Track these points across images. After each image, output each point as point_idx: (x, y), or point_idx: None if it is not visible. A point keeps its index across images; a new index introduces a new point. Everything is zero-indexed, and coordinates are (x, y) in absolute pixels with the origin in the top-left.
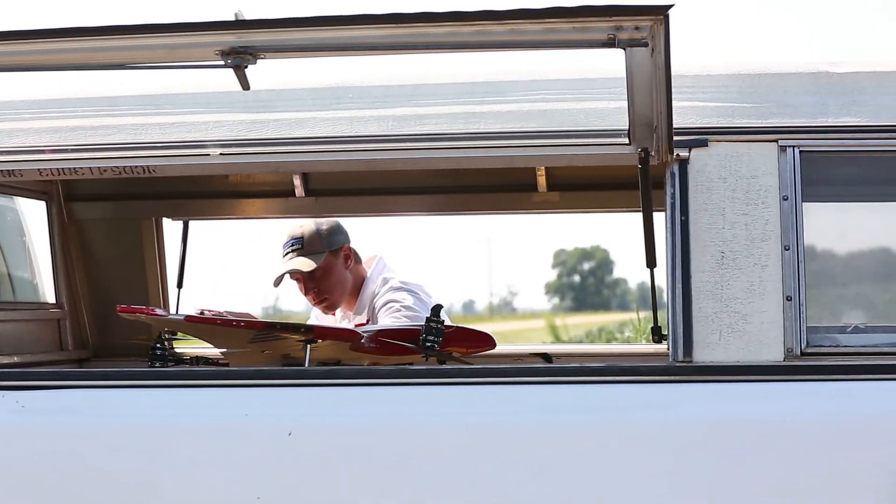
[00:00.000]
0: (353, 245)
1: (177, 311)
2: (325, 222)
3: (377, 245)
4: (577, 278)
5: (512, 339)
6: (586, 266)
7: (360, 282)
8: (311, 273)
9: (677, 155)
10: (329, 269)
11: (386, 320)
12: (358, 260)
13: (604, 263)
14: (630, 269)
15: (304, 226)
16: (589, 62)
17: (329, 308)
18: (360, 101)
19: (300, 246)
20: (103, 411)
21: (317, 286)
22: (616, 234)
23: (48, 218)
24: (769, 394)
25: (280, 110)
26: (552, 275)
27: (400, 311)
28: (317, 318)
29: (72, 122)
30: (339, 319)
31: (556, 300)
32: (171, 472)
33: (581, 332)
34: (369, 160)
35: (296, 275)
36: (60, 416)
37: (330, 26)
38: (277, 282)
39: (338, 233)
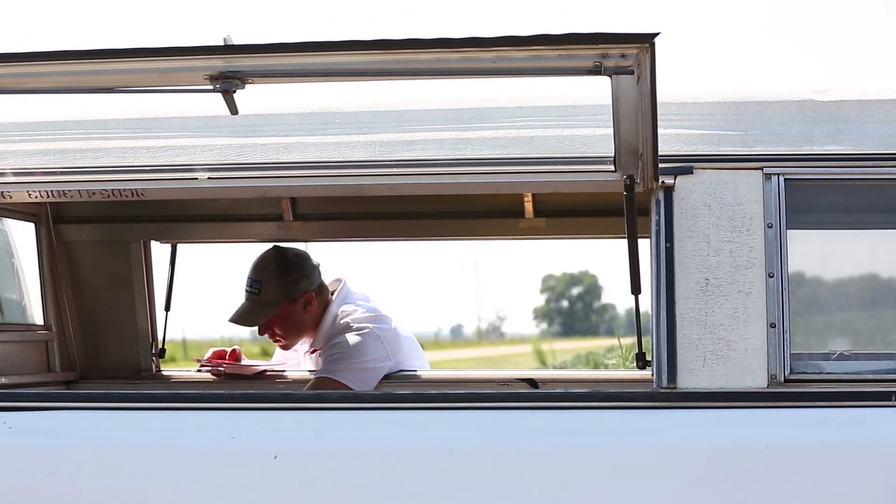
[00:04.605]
0: (320, 282)
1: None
2: (291, 264)
3: (365, 269)
4: (565, 303)
5: (500, 364)
6: (574, 291)
7: (323, 312)
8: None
9: (662, 182)
10: (285, 317)
11: (322, 365)
12: (322, 296)
13: (592, 289)
14: (618, 294)
15: (267, 266)
16: (575, 89)
17: (285, 347)
18: (347, 127)
19: (256, 291)
20: (90, 433)
21: (271, 329)
22: (604, 259)
23: (37, 240)
24: (752, 420)
25: (268, 135)
26: (540, 300)
27: (335, 359)
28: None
29: (61, 144)
30: (306, 351)
31: (544, 325)
32: (157, 494)
33: (569, 357)
34: (357, 185)
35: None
36: (48, 438)
37: (318, 52)
38: (231, 322)
39: (301, 279)
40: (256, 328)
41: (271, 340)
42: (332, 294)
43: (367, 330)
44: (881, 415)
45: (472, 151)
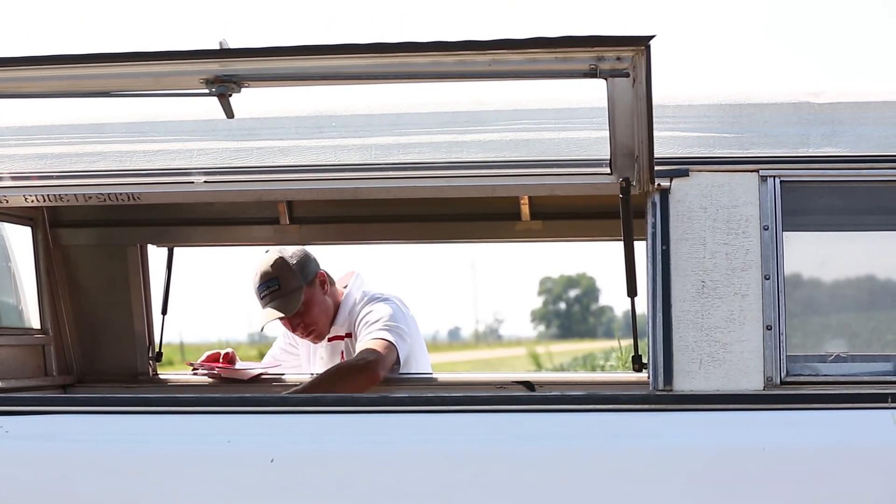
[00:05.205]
0: (324, 269)
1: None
2: (292, 254)
3: (363, 272)
4: (562, 306)
5: (497, 366)
6: (572, 294)
7: (338, 301)
8: (295, 313)
9: (658, 184)
10: (310, 302)
11: (363, 333)
12: (332, 281)
13: (589, 291)
14: (616, 296)
15: (274, 263)
16: (571, 92)
17: (318, 338)
18: (343, 130)
19: (277, 286)
20: (87, 437)
21: (302, 321)
22: (602, 261)
23: (33, 244)
24: (749, 422)
25: (264, 139)
26: (538, 302)
27: (376, 322)
28: (284, 335)
29: (57, 148)
30: (325, 338)
31: (541, 328)
32: (154, 498)
33: (566, 359)
34: (353, 188)
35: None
36: (45, 442)
37: (313, 55)
38: (263, 327)
39: (308, 262)
40: (289, 325)
41: (304, 336)
42: (346, 286)
43: (396, 303)
44: (877, 417)
45: (468, 154)
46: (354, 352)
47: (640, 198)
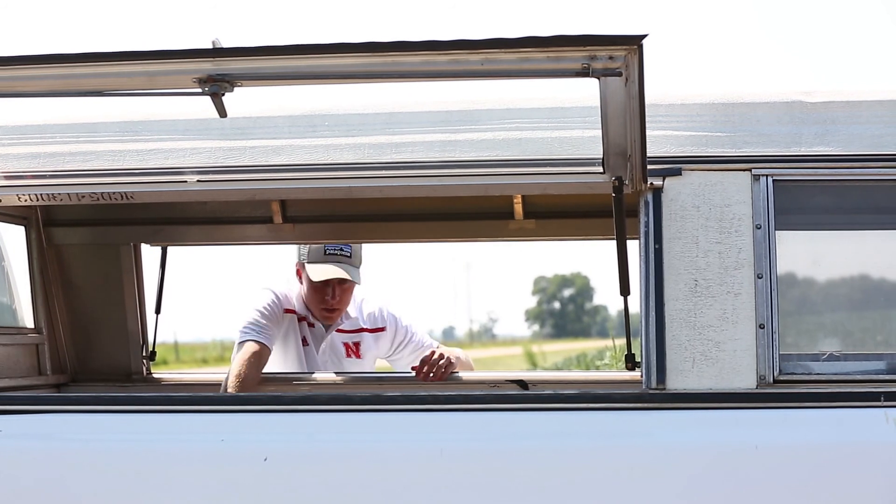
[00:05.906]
0: None
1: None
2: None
3: None
4: (557, 305)
5: (491, 366)
6: (566, 293)
7: None
8: (345, 284)
9: (651, 183)
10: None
11: (423, 342)
12: None
13: (584, 290)
14: (610, 295)
15: None
16: (563, 91)
17: (335, 317)
18: (336, 129)
19: (349, 255)
20: (81, 436)
21: (340, 297)
22: (596, 260)
23: (27, 243)
24: (742, 421)
25: (257, 138)
26: (532, 301)
27: (419, 336)
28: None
29: (51, 148)
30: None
31: (536, 327)
32: (147, 497)
33: (560, 359)
34: (346, 188)
35: (335, 281)
36: (38, 441)
37: (307, 55)
38: (320, 277)
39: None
40: (330, 291)
41: (334, 305)
42: None
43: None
44: (870, 415)
45: (461, 153)
46: (379, 349)
47: (632, 197)
